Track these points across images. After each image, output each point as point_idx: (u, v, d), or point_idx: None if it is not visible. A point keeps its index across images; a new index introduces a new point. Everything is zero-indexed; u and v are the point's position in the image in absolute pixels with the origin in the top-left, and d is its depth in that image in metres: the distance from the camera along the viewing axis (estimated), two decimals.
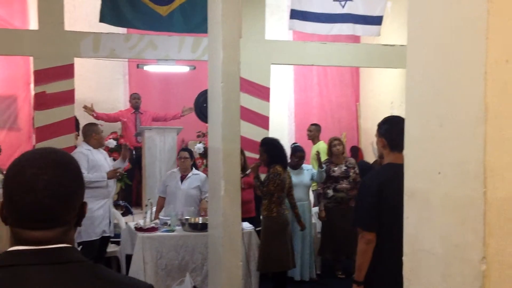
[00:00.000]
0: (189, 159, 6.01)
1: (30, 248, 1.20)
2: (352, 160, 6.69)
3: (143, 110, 8.50)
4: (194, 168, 6.09)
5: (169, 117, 8.55)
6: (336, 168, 6.40)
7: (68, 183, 1.24)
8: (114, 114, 8.41)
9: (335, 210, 6.29)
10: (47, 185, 1.20)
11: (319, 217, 6.51)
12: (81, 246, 5.21)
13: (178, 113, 8.42)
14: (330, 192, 6.36)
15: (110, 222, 5.73)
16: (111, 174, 5.62)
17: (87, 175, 5.24)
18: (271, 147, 5.45)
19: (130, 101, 8.57)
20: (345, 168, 6.42)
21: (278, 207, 5.29)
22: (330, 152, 6.55)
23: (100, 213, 5.53)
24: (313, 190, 7.14)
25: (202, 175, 6.08)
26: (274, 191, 5.24)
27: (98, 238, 5.56)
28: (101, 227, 5.58)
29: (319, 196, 6.50)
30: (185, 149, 6.26)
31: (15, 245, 1.22)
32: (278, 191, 5.26)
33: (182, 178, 5.94)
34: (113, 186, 5.88)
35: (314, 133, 8.15)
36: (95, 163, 5.55)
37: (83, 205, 1.30)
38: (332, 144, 6.53)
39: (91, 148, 5.64)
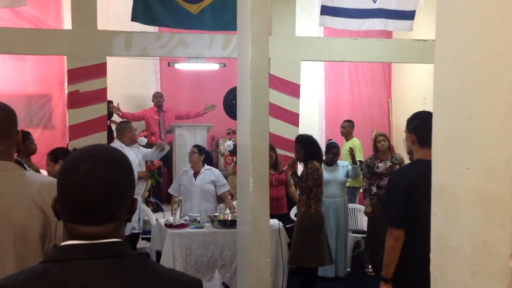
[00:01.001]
0: (197, 153, 5.96)
1: (84, 242, 1.21)
2: (400, 156, 6.51)
3: (166, 109, 8.53)
4: (205, 164, 6.09)
5: (192, 115, 8.53)
6: (380, 164, 6.27)
7: (120, 180, 1.25)
8: (138, 113, 8.47)
9: (378, 207, 6.05)
10: (99, 182, 1.21)
11: (365, 213, 6.43)
12: None
13: (201, 111, 8.39)
14: (374, 189, 6.26)
15: (139, 218, 5.83)
16: (143, 174, 5.79)
17: None
18: (308, 143, 5.44)
19: (153, 100, 8.59)
20: (390, 164, 6.26)
21: (316, 204, 5.27)
22: (375, 148, 6.45)
23: None
24: (347, 187, 7.07)
25: (215, 170, 6.09)
26: (313, 186, 5.22)
27: (127, 234, 5.65)
28: (131, 223, 5.66)
29: (364, 192, 6.43)
30: (195, 145, 6.28)
31: (68, 240, 1.23)
32: (316, 186, 5.24)
33: (195, 175, 5.95)
34: (143, 184, 6.00)
35: (347, 129, 8.06)
36: None
37: (134, 201, 1.31)
38: (377, 140, 6.43)
39: (123, 145, 5.77)
